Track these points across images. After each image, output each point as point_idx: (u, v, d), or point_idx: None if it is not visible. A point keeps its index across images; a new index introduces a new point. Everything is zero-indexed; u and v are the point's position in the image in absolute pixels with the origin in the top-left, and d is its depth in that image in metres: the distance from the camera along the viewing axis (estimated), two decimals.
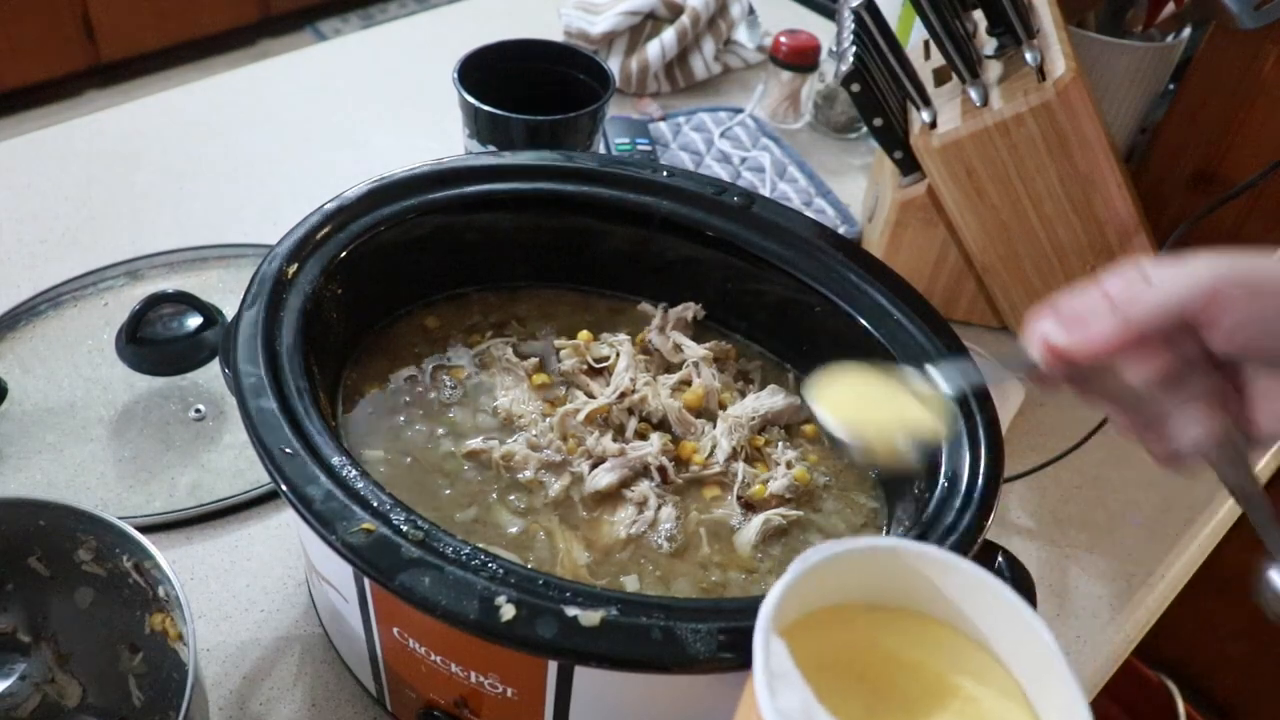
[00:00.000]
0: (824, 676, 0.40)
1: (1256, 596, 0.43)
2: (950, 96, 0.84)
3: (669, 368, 0.68)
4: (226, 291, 0.86)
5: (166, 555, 0.54)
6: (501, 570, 0.45)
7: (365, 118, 1.12)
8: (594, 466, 0.60)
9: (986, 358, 0.44)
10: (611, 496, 0.60)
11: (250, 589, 0.67)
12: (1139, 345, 0.42)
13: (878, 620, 0.43)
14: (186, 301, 0.77)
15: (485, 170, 0.68)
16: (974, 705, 0.41)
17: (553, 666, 0.47)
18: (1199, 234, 0.98)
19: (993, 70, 0.82)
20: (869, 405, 0.50)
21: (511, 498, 0.59)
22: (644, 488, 0.60)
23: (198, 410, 0.77)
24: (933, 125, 0.82)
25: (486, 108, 0.86)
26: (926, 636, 0.43)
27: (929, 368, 0.51)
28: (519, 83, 0.93)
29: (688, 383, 0.67)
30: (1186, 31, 0.94)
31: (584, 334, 0.69)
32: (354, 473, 0.49)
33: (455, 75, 0.89)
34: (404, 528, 0.46)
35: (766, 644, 0.38)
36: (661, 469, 0.61)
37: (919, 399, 0.50)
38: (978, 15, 0.88)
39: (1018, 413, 0.84)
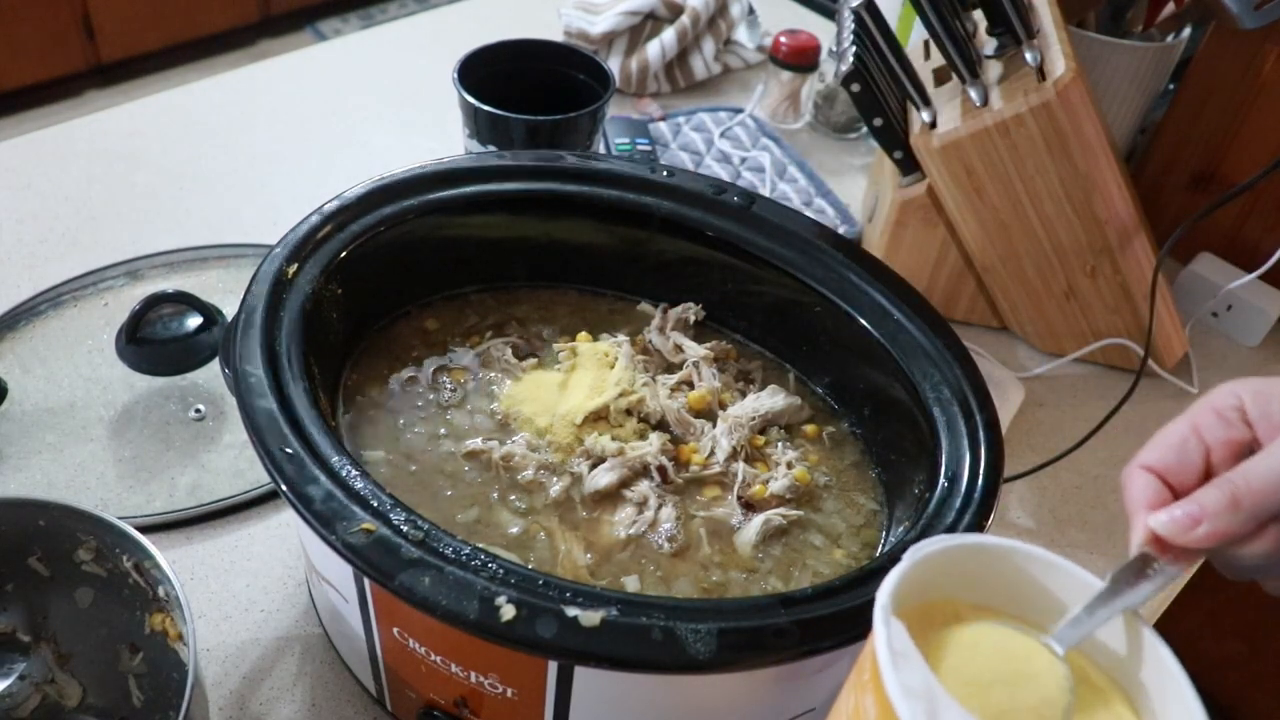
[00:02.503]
0: (936, 663, 0.40)
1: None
2: (950, 96, 0.84)
3: (669, 368, 0.68)
4: (226, 291, 0.86)
5: (166, 555, 0.54)
6: (501, 570, 0.45)
7: (365, 118, 1.12)
8: (593, 467, 0.60)
9: (1097, 584, 0.42)
10: (612, 496, 0.60)
11: (250, 589, 0.67)
12: (1259, 533, 0.42)
13: (986, 618, 0.44)
14: (186, 301, 0.77)
15: (485, 170, 0.68)
16: (1085, 706, 0.41)
17: (553, 666, 0.47)
18: (1199, 234, 0.99)
19: (993, 70, 0.82)
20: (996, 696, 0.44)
21: (512, 498, 0.59)
22: (644, 487, 0.60)
23: (198, 410, 0.77)
24: (933, 125, 0.82)
25: (486, 108, 0.86)
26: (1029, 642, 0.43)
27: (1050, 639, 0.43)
28: (519, 83, 0.93)
29: (688, 383, 0.67)
30: (1186, 31, 0.94)
31: (583, 334, 0.69)
32: (354, 473, 0.49)
33: (455, 75, 0.89)
34: (404, 528, 0.46)
35: (887, 623, 0.38)
36: (661, 469, 0.61)
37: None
38: (978, 15, 0.88)
39: (1018, 413, 0.84)
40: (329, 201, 0.63)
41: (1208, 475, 0.44)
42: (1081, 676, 0.43)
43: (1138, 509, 0.44)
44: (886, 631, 0.38)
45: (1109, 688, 0.42)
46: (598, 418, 0.63)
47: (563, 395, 0.64)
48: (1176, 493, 0.44)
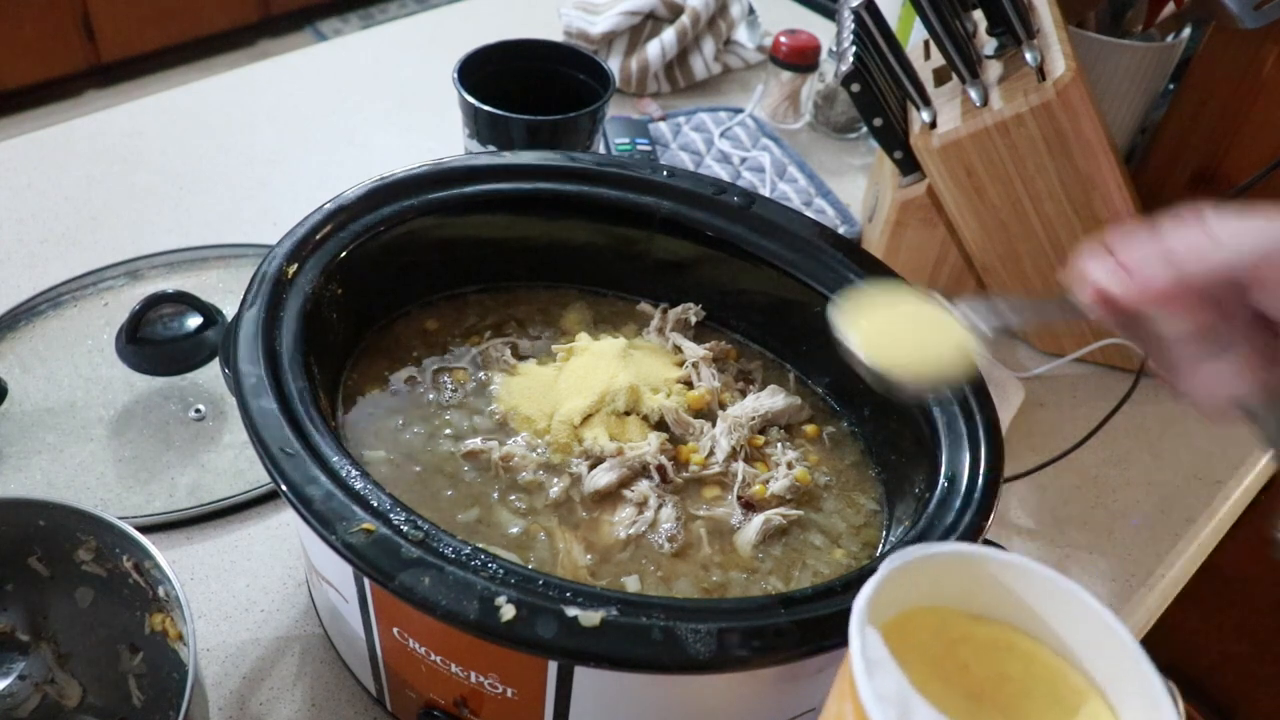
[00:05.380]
0: (919, 669, 0.42)
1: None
2: (950, 96, 0.84)
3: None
4: (226, 291, 0.86)
5: (166, 555, 0.54)
6: (501, 570, 0.45)
7: (365, 118, 1.12)
8: (593, 467, 0.60)
9: (1017, 303, 0.45)
10: (611, 496, 0.60)
11: (250, 589, 0.67)
12: (1185, 299, 0.42)
13: (976, 628, 0.45)
14: (186, 301, 0.77)
15: (485, 170, 0.68)
16: (1061, 710, 0.42)
17: (553, 667, 0.47)
18: None
19: (993, 70, 0.82)
20: (899, 336, 0.49)
21: (512, 498, 0.59)
22: (644, 487, 0.60)
23: (198, 410, 0.77)
24: (933, 125, 0.82)
25: (486, 108, 0.86)
26: (1014, 645, 0.44)
27: (959, 304, 0.48)
28: (519, 83, 0.93)
29: (687, 383, 0.67)
30: (1186, 31, 0.94)
31: (583, 335, 0.69)
32: (354, 473, 0.49)
33: (455, 75, 0.89)
34: (404, 528, 0.46)
35: (862, 633, 0.40)
36: (660, 468, 0.61)
37: (947, 328, 0.49)
38: (978, 15, 0.88)
39: (1018, 413, 0.84)
40: (329, 201, 0.63)
41: None
42: (1061, 678, 0.43)
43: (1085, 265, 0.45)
44: (861, 641, 0.40)
45: (1088, 689, 0.43)
46: (595, 412, 0.63)
47: (559, 391, 0.64)
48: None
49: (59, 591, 0.59)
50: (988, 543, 0.52)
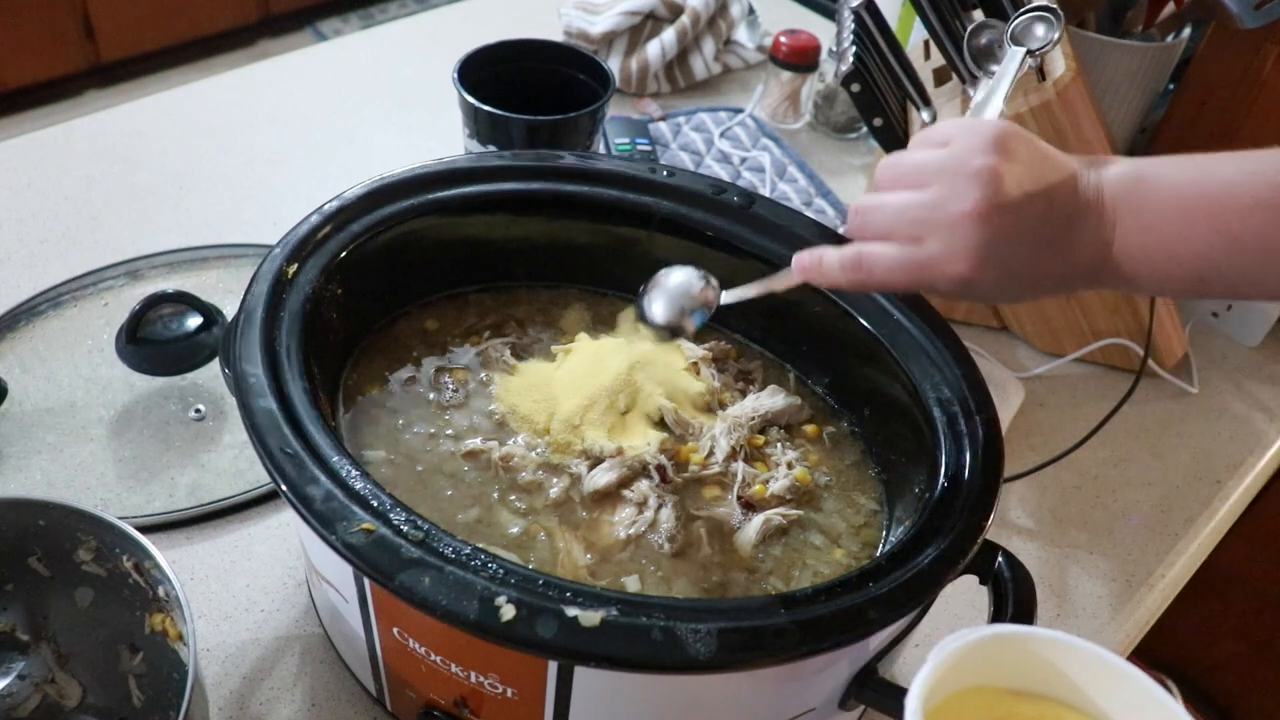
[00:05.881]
0: None
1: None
2: (950, 96, 0.84)
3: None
4: (226, 291, 0.86)
5: (166, 555, 0.54)
6: (501, 570, 0.45)
7: (365, 118, 1.12)
8: (592, 467, 0.60)
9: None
10: (611, 496, 0.60)
11: (250, 589, 0.67)
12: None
13: (1020, 705, 0.45)
14: (186, 301, 0.77)
15: (485, 170, 0.68)
16: None
17: (553, 667, 0.47)
18: None
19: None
20: None
21: (512, 498, 0.59)
22: (643, 487, 0.60)
23: (198, 410, 0.77)
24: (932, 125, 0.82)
25: (486, 108, 0.86)
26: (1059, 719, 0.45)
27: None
28: (519, 83, 0.93)
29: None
30: (1186, 31, 0.94)
31: (582, 335, 0.69)
32: (354, 473, 0.49)
33: (455, 75, 0.89)
34: (404, 528, 0.46)
35: None
36: (660, 468, 0.61)
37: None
38: (978, 15, 0.88)
39: (1018, 413, 0.84)
40: (329, 201, 0.63)
41: None
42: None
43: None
44: None
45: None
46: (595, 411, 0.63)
47: (558, 391, 0.64)
48: None
49: (59, 591, 0.59)
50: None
